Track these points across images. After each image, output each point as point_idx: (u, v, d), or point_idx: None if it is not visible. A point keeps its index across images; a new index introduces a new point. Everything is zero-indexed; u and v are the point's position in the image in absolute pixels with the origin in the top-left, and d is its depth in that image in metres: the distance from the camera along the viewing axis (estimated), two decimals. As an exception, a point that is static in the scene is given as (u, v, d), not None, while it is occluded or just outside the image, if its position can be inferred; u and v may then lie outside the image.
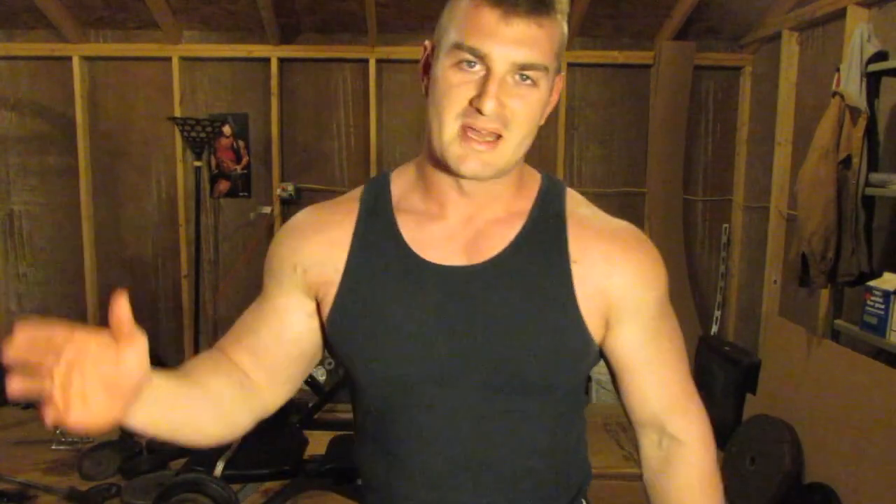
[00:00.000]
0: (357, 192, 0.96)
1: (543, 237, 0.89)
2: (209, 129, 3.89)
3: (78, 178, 4.00)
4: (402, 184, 0.94)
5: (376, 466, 0.94)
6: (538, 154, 3.86)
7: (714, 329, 4.16)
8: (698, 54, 3.90)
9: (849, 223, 2.57)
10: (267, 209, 4.06)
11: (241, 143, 4.08)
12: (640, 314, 0.90)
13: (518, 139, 0.83)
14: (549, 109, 0.88)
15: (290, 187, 4.01)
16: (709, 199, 4.19)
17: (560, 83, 0.89)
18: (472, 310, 0.86)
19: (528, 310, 0.86)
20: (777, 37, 3.60)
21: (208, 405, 0.86)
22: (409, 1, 3.68)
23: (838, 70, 2.68)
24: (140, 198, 4.12)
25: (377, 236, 0.90)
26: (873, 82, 2.57)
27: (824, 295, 3.00)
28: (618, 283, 0.88)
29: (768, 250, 3.66)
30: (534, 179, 0.94)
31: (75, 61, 3.90)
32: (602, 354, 0.94)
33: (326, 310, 0.91)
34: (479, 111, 0.80)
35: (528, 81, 0.81)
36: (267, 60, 3.95)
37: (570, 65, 3.99)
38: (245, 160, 4.10)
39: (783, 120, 3.53)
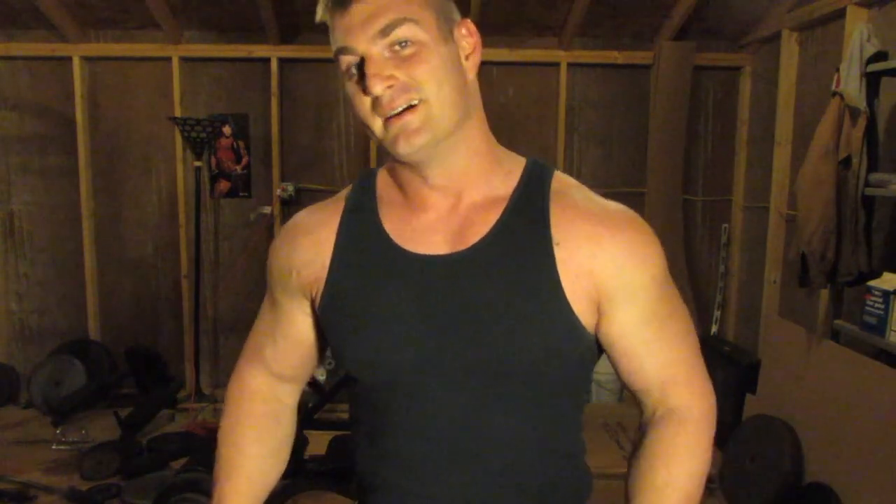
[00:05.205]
0: (346, 190, 0.97)
1: (525, 220, 0.86)
2: (209, 129, 3.89)
3: (78, 178, 4.00)
4: (386, 179, 0.94)
5: (366, 455, 0.96)
6: (538, 154, 3.85)
7: (714, 329, 4.16)
8: (698, 54, 3.90)
9: (848, 223, 2.57)
10: (267, 209, 4.06)
11: (241, 143, 4.08)
12: (636, 297, 0.86)
13: (438, 94, 0.80)
14: (473, 59, 0.86)
15: (290, 187, 4.01)
16: (709, 199, 4.19)
17: (466, 27, 0.86)
18: (452, 299, 0.85)
19: (509, 297, 0.83)
20: (777, 37, 3.60)
21: (275, 472, 1.04)
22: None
23: (838, 70, 2.68)
24: (140, 198, 4.12)
25: (361, 231, 0.91)
26: (873, 82, 2.57)
27: (824, 295, 3.00)
28: (605, 265, 0.84)
29: (768, 250, 3.66)
30: (517, 164, 0.93)
31: (75, 61, 3.90)
32: (599, 345, 0.91)
33: (317, 306, 0.93)
34: (376, 97, 0.80)
35: (405, 43, 0.80)
36: (267, 60, 3.95)
37: (570, 65, 3.99)
38: (245, 160, 4.10)
39: (783, 120, 3.53)
